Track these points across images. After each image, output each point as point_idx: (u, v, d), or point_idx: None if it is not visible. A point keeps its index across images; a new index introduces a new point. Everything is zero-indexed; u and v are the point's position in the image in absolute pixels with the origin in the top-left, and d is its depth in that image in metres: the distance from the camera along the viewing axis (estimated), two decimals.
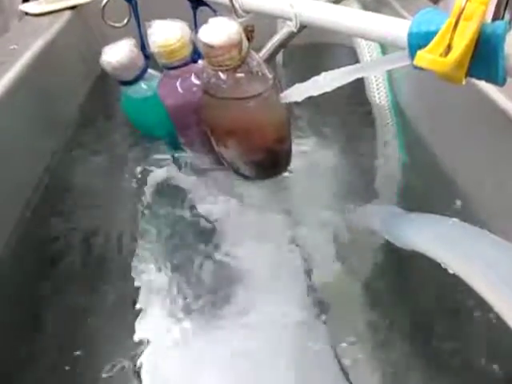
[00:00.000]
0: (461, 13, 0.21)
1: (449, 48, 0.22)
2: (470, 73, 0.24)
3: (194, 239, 0.40)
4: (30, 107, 0.46)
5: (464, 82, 0.25)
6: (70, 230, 0.41)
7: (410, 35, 0.25)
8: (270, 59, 0.48)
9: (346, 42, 0.67)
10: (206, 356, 0.32)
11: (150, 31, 0.37)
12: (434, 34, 0.23)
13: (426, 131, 0.49)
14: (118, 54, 0.40)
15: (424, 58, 0.21)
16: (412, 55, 0.24)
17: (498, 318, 0.21)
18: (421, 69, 0.22)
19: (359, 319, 0.33)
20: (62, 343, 0.33)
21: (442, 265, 0.25)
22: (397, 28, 0.27)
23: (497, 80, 0.24)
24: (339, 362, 0.30)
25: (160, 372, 0.31)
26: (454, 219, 0.27)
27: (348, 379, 0.29)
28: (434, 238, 0.28)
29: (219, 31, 0.33)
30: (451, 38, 0.22)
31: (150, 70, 0.44)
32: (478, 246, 0.25)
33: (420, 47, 0.23)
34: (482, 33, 0.23)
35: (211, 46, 0.33)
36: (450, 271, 0.25)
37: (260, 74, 0.37)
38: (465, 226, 0.27)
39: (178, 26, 0.37)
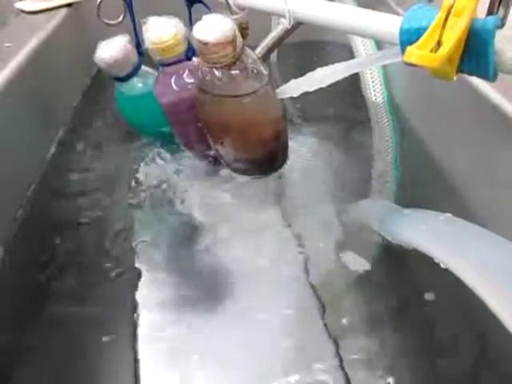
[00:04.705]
0: (450, 8, 0.22)
1: (439, 44, 0.22)
2: (460, 68, 0.24)
3: (191, 237, 0.40)
4: (26, 105, 0.46)
5: (455, 78, 0.25)
6: (66, 230, 0.42)
7: (401, 31, 0.25)
8: (265, 56, 0.48)
9: (342, 39, 0.67)
10: (204, 354, 0.32)
11: (145, 28, 0.37)
12: (425, 29, 0.23)
13: (421, 127, 0.49)
14: (111, 49, 0.40)
15: (413, 53, 0.21)
16: (403, 51, 0.24)
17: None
18: (411, 65, 0.22)
19: (358, 316, 0.33)
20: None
21: (437, 260, 0.25)
22: (390, 24, 0.27)
23: (488, 75, 0.24)
24: (339, 358, 0.30)
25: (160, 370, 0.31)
26: (448, 214, 0.27)
27: (345, 373, 0.30)
28: (429, 233, 0.28)
29: (213, 28, 0.33)
30: (441, 34, 0.22)
31: (144, 68, 0.44)
32: (472, 242, 0.25)
33: (411, 43, 0.23)
34: (473, 28, 0.23)
35: (205, 43, 0.33)
36: (444, 266, 0.25)
37: (255, 71, 0.37)
38: (459, 221, 0.27)
39: (172, 22, 0.38)
